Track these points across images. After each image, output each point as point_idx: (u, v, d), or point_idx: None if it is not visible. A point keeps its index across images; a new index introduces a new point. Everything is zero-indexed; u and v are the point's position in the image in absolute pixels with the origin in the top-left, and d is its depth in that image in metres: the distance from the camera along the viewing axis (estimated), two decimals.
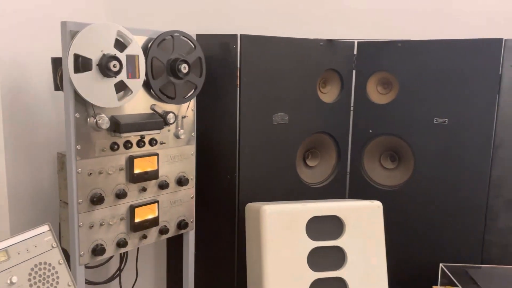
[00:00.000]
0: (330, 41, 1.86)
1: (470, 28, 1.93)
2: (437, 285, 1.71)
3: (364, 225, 1.46)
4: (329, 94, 1.95)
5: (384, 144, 1.94)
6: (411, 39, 1.81)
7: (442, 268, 1.69)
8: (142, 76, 1.35)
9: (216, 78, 1.70)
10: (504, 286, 1.49)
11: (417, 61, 1.79)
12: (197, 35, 1.55)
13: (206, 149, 1.73)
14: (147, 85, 1.40)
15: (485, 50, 1.67)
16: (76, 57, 1.22)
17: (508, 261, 1.71)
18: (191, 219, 1.63)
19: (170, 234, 1.56)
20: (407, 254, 1.87)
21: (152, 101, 1.44)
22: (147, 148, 1.45)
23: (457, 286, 1.60)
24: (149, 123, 1.40)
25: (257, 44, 1.69)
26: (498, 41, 1.66)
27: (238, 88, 1.70)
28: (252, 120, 1.73)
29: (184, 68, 1.41)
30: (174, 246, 1.89)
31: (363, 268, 1.48)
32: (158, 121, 1.41)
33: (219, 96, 1.72)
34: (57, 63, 1.41)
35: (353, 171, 1.99)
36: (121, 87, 1.32)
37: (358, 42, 1.92)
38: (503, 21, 1.94)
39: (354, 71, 1.95)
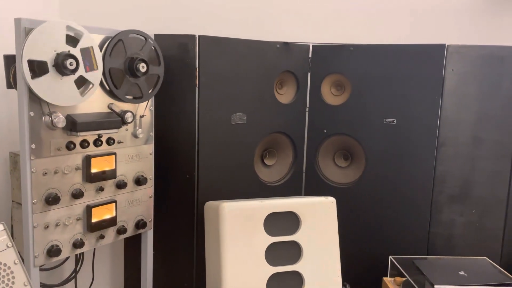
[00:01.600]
0: (286, 44, 1.92)
1: (417, 32, 2.06)
2: (387, 276, 1.81)
3: (319, 220, 1.53)
4: (285, 95, 2.01)
5: (338, 143, 2.03)
6: (363, 43, 1.91)
7: (391, 260, 1.79)
8: (100, 67, 1.34)
9: (174, 78, 1.71)
10: (447, 274, 1.60)
11: (368, 64, 1.89)
12: (156, 35, 1.56)
13: (165, 149, 1.74)
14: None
15: (429, 55, 1.79)
16: (31, 62, 1.20)
17: (452, 252, 1.83)
18: (150, 218, 1.63)
19: (128, 234, 1.56)
20: (359, 248, 1.96)
21: (110, 100, 1.44)
22: (104, 148, 1.44)
23: (405, 276, 1.70)
24: (107, 122, 1.39)
25: (215, 45, 1.72)
26: (441, 46, 1.78)
27: (196, 89, 1.72)
28: (210, 120, 1.75)
29: (143, 67, 1.42)
30: (132, 247, 1.88)
31: (318, 262, 1.55)
32: (116, 120, 1.41)
33: (178, 96, 1.73)
34: (9, 60, 1.37)
35: (309, 169, 2.06)
36: (81, 82, 1.31)
37: (313, 45, 1.99)
38: (446, 27, 2.08)
39: (309, 73, 2.02)
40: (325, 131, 2.01)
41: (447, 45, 1.78)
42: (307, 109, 2.04)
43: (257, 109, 1.88)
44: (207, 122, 1.75)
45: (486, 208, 1.82)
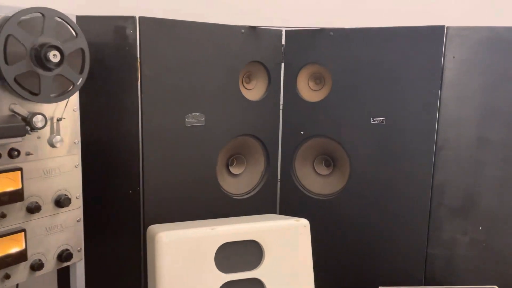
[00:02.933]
0: (253, 28, 1.59)
1: (408, 15, 1.74)
2: None
3: (287, 250, 1.21)
4: (254, 91, 1.68)
5: (318, 147, 1.71)
6: (345, 27, 1.59)
7: None
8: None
9: (109, 71, 1.37)
10: None
11: (352, 52, 1.57)
12: (80, 17, 1.23)
13: (100, 159, 1.41)
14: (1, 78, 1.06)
15: (425, 40, 1.47)
16: None
17: (454, 278, 1.52)
18: (78, 247, 1.30)
19: (47, 269, 1.22)
20: (342, 275, 1.65)
21: (12, 100, 1.10)
22: (5, 162, 1.10)
23: None
24: (6, 129, 1.06)
25: (161, 29, 1.39)
26: (439, 29, 1.46)
27: (139, 84, 1.38)
28: (158, 122, 1.42)
29: (54, 56, 1.08)
30: (67, 280, 1.55)
31: None
32: (19, 125, 1.07)
33: (115, 93, 1.40)
34: None
35: (284, 178, 1.74)
36: None
37: (286, 30, 1.67)
38: (444, 7, 1.76)
39: (282, 64, 1.69)
40: (302, 132, 1.69)
41: (447, 27, 1.46)
42: (280, 107, 1.72)
43: (219, 108, 1.56)
44: (154, 125, 1.42)
45: (494, 224, 1.50)
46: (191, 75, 1.47)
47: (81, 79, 1.18)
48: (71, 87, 1.17)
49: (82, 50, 1.17)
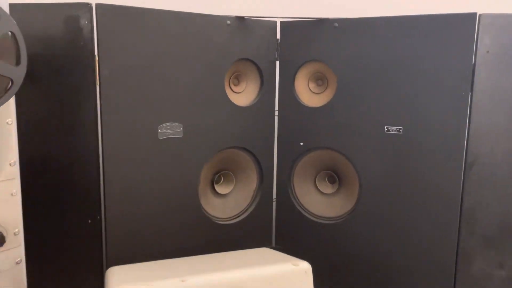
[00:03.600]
0: (241, 19, 1.32)
1: (430, 0, 1.46)
2: None
3: None
4: (244, 94, 1.41)
5: (320, 161, 1.44)
6: (352, 17, 1.31)
7: None
8: None
9: (59, 72, 1.10)
10: None
11: (361, 47, 1.29)
12: (17, 5, 0.96)
13: (46, 183, 1.14)
14: None
15: (452, 31, 1.20)
16: None
17: None
18: None
19: None
20: None
21: None
22: None
23: None
24: None
25: (125, 19, 1.12)
26: (470, 17, 1.19)
27: (97, 87, 1.11)
28: (123, 135, 1.15)
29: None
30: None
31: None
32: None
33: (67, 100, 1.12)
34: None
35: (281, 198, 1.47)
36: None
37: (281, 22, 1.40)
38: None
39: (277, 62, 1.42)
40: (301, 144, 1.42)
41: (479, 15, 1.19)
42: (275, 114, 1.45)
43: (200, 116, 1.28)
44: (118, 138, 1.14)
45: None
46: (164, 76, 1.20)
47: (19, 73, 0.90)
48: (8, 87, 0.90)
49: (12, 34, 0.89)
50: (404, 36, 1.24)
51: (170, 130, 1.23)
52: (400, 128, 1.27)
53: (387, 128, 1.29)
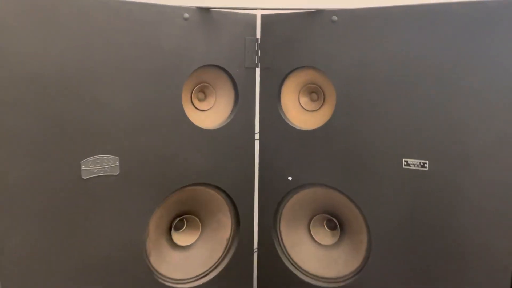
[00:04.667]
0: (205, 11, 0.97)
1: None
2: None
3: None
4: (212, 113, 1.05)
5: (316, 201, 1.07)
6: (356, 6, 0.95)
7: None
8: None
9: None
10: None
11: (370, 47, 0.93)
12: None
13: None
14: None
15: (495, 21, 0.83)
16: None
17: None
18: None
19: None
20: None
21: None
22: None
23: None
24: None
25: (29, 8, 0.78)
26: None
27: None
28: (25, 173, 0.80)
29: None
30: None
31: None
32: None
33: None
34: None
35: (264, 249, 1.10)
36: None
37: (263, 16, 1.04)
38: None
39: (257, 69, 1.07)
40: (290, 178, 1.05)
41: None
42: (255, 138, 1.09)
43: (147, 144, 0.93)
44: (16, 178, 0.80)
45: None
46: (91, 88, 0.85)
47: None
48: None
49: None
50: (429, 31, 0.88)
51: (100, 165, 0.88)
52: (425, 163, 0.90)
53: (406, 161, 0.92)
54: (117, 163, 0.90)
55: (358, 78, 0.95)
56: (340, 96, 0.97)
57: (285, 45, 1.02)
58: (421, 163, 0.90)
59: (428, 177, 0.90)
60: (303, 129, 1.03)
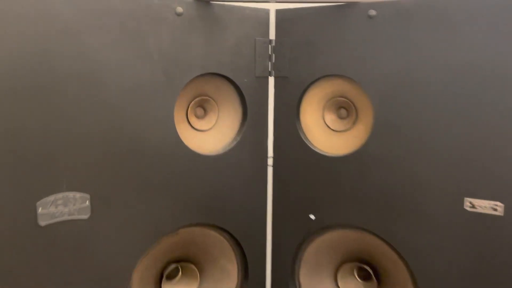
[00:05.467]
0: (205, 4, 0.76)
1: None
2: None
3: None
4: (212, 134, 0.83)
5: (344, 247, 0.84)
6: None
7: None
8: None
9: None
10: None
11: (420, 51, 0.71)
12: None
13: None
14: None
15: None
16: None
17: None
18: None
19: None
20: None
21: None
22: None
23: None
24: None
25: None
26: None
27: None
28: None
29: None
30: None
31: None
32: None
33: None
34: None
35: None
36: None
37: (278, 11, 0.83)
38: None
39: (270, 78, 0.85)
40: (312, 217, 0.83)
41: None
42: (268, 164, 0.87)
43: (130, 175, 0.72)
44: None
45: None
46: (52, 102, 0.64)
47: None
48: None
49: None
50: (498, 26, 0.65)
51: (63, 206, 0.66)
52: (495, 205, 0.68)
53: (470, 202, 0.69)
54: (87, 203, 0.68)
55: (403, 91, 0.73)
56: (379, 113, 0.75)
57: (307, 48, 0.80)
58: (493, 206, 0.67)
59: (502, 224, 0.67)
60: (329, 154, 0.81)
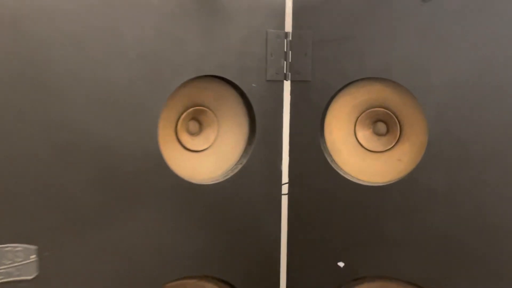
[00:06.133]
0: None
1: None
2: None
3: None
4: (210, 156, 0.63)
5: None
6: None
7: None
8: None
9: None
10: None
11: (498, 43, 0.52)
12: None
13: None
14: None
15: None
16: None
17: None
18: None
19: None
20: None
21: None
22: None
23: None
24: None
25: None
26: None
27: None
28: None
29: None
30: None
31: None
32: None
33: None
34: None
35: None
36: None
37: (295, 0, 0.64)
38: None
39: (287, 83, 0.65)
40: (341, 264, 0.63)
41: None
42: (282, 193, 0.67)
43: (95, 216, 0.52)
44: None
45: None
46: None
47: None
48: None
49: None
50: None
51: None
52: None
53: None
54: (34, 257, 0.48)
55: (473, 101, 0.53)
56: (436, 129, 0.56)
57: (334, 43, 0.61)
58: None
59: None
60: (364, 183, 0.61)
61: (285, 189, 0.67)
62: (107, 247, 0.53)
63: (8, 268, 0.47)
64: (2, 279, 0.47)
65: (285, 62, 0.64)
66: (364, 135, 0.64)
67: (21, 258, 0.47)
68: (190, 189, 0.59)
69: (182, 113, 0.61)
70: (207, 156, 0.63)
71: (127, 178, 0.53)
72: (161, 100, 0.55)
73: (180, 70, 0.56)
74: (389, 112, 0.62)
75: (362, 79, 0.60)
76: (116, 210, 0.53)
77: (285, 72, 0.64)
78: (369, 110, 0.63)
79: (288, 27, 0.64)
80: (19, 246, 0.47)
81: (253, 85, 0.62)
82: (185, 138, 0.62)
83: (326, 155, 0.63)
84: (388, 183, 0.60)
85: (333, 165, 0.63)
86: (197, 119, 0.63)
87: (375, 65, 0.59)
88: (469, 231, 0.56)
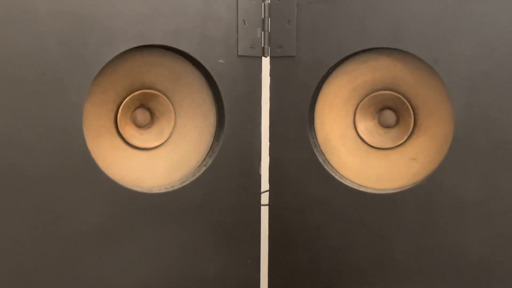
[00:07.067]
0: None
1: None
2: None
3: None
4: (163, 155, 0.48)
5: None
6: None
7: None
8: None
9: None
10: None
11: None
12: None
13: None
14: None
15: None
16: None
17: None
18: None
19: None
20: None
21: None
22: None
23: None
24: None
25: None
26: None
27: None
28: None
29: None
30: None
31: None
32: None
33: None
34: None
35: None
36: None
37: None
38: None
39: (265, 59, 0.50)
40: None
41: None
42: (262, 203, 0.52)
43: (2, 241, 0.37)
44: None
45: None
46: None
47: None
48: None
49: None
50: None
51: None
52: None
53: None
54: None
55: (496, 91, 0.39)
56: (465, 118, 0.41)
57: (327, 6, 0.46)
58: None
59: None
60: (367, 189, 0.46)
61: (265, 198, 0.52)
62: (13, 276, 0.38)
63: None
64: None
65: (262, 32, 0.49)
66: (366, 127, 0.49)
67: None
68: (133, 199, 0.43)
69: (124, 98, 0.46)
70: (160, 155, 0.48)
71: (39, 185, 0.38)
72: (86, 78, 0.40)
73: (113, 36, 0.41)
74: (400, 96, 0.47)
75: (364, 52, 0.46)
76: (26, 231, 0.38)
77: (262, 45, 0.49)
78: (373, 94, 0.48)
79: None
80: None
81: (220, 61, 0.47)
82: (130, 132, 0.47)
83: (317, 154, 0.48)
84: (400, 189, 0.45)
85: (326, 167, 0.48)
86: (147, 106, 0.48)
87: (380, 32, 0.44)
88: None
